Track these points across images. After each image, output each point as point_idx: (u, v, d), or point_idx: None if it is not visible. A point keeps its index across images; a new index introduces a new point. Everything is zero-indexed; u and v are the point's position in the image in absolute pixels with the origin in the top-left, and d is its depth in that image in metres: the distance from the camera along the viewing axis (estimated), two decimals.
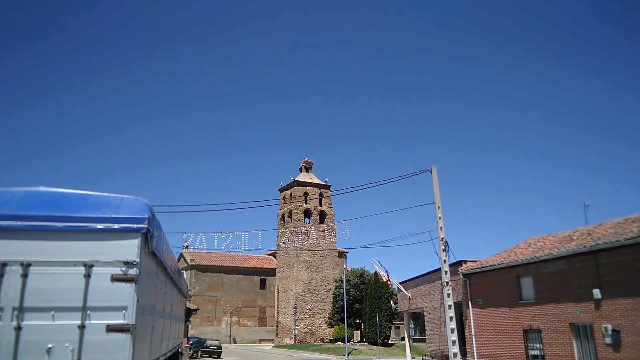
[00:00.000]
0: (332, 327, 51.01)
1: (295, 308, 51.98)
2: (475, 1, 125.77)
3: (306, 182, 57.49)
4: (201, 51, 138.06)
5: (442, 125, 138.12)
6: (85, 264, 4.86)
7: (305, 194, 56.76)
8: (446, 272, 21.66)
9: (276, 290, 58.64)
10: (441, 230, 22.60)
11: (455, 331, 20.50)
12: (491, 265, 21.18)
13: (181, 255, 65.91)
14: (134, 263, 4.92)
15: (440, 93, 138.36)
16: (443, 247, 22.26)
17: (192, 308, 27.14)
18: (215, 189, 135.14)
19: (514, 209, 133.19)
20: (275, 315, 57.88)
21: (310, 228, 49.85)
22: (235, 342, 60.88)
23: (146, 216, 5.11)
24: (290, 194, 57.11)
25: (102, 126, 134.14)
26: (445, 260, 21.96)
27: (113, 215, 5.06)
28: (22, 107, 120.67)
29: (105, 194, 5.50)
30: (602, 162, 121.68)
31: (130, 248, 4.97)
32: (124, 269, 4.89)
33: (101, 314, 4.77)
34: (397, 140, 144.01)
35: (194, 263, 62.09)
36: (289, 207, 56.29)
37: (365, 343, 46.10)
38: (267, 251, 68.40)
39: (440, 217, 23.06)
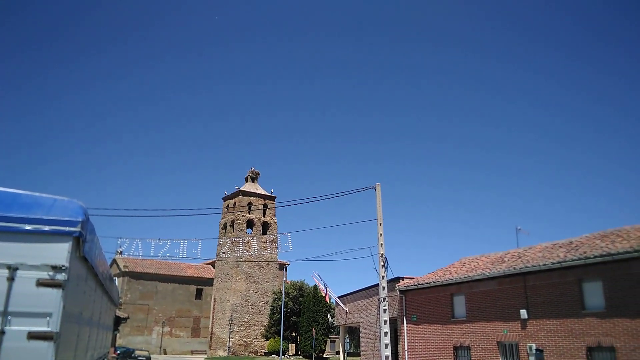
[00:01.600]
0: (267, 340, 50.45)
1: (231, 319, 51.02)
2: (426, 9, 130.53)
3: (251, 192, 56.94)
4: (153, 67, 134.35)
5: (388, 140, 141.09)
6: (9, 267, 4.55)
7: (250, 204, 56.18)
8: (384, 287, 22.04)
9: (212, 300, 57.32)
10: (381, 246, 23.00)
11: (389, 346, 20.83)
12: (427, 283, 21.77)
13: (114, 261, 63.14)
14: (63, 268, 4.66)
15: (384, 108, 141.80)
16: (382, 263, 22.66)
17: (121, 316, 25.97)
18: (156, 196, 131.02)
19: (453, 227, 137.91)
20: (210, 326, 56.49)
21: (252, 238, 49.34)
22: (165, 353, 58.82)
23: (79, 219, 4.86)
24: (234, 203, 56.34)
25: (38, 127, 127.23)
26: (383, 276, 22.33)
27: (44, 217, 4.77)
28: None
29: (37, 194, 5.19)
30: (535, 187, 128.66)
31: (59, 252, 4.71)
32: (51, 273, 4.62)
33: (23, 320, 4.47)
34: (344, 155, 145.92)
35: (127, 270, 59.68)
36: (232, 216, 55.47)
37: (300, 357, 45.90)
38: (206, 260, 66.95)
39: (381, 234, 23.47)
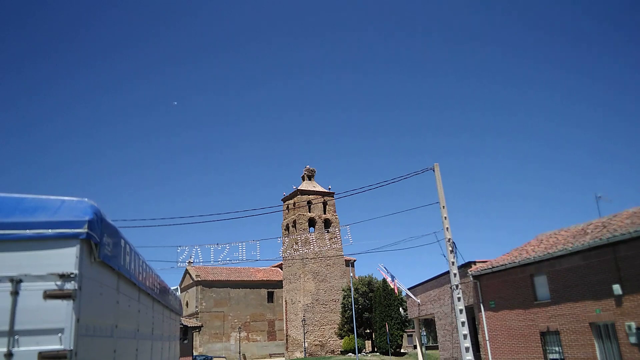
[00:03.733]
0: (342, 338, 49.83)
1: (304, 320, 50.87)
2: (476, 7, 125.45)
3: (309, 191, 56.61)
4: (204, 65, 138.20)
5: (444, 127, 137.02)
6: (11, 279, 4.02)
7: (309, 203, 55.89)
8: (455, 274, 20.72)
9: (284, 302, 57.53)
10: (447, 230, 21.69)
11: (468, 337, 19.49)
12: (502, 265, 20.18)
13: (186, 271, 65.03)
14: (72, 275, 4.06)
15: (442, 97, 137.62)
16: (450, 248, 21.34)
17: (190, 325, 26.14)
18: (216, 204, 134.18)
19: (522, 205, 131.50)
20: (285, 328, 56.72)
21: (311, 237, 48.99)
22: (245, 358, 59.72)
23: (86, 219, 4.25)
24: (294, 203, 56.24)
25: (102, 143, 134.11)
26: (453, 262, 21.02)
27: (47, 220, 4.22)
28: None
29: (44, 196, 4.67)
30: (610, 154, 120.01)
31: (66, 258, 4.12)
32: (59, 283, 4.04)
33: (32, 339, 3.92)
34: (400, 145, 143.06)
35: (199, 279, 61.18)
36: (293, 216, 55.39)
37: (377, 353, 44.88)
38: (274, 263, 67.50)
39: (445, 217, 22.17)
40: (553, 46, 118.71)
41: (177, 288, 19.49)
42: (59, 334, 3.95)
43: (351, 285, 43.89)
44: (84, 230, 4.21)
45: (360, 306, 47.32)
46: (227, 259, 19.61)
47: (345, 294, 49.82)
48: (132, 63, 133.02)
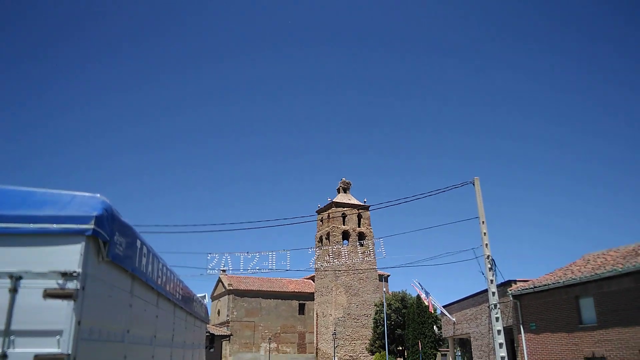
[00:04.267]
0: (373, 354, 48.72)
1: (334, 334, 50.07)
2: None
3: (344, 203, 56.08)
4: (234, 74, 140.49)
5: (485, 138, 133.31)
6: (11, 275, 3.75)
7: (344, 215, 55.35)
8: (494, 293, 19.81)
9: (315, 315, 56.92)
10: (487, 247, 20.84)
11: (506, 359, 18.52)
12: (545, 285, 19.10)
13: (219, 280, 65.41)
14: (74, 274, 3.77)
15: (483, 104, 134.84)
16: (489, 265, 20.46)
17: (218, 334, 25.92)
18: (249, 214, 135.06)
19: (567, 224, 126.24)
20: (315, 341, 56.04)
21: (344, 249, 48.35)
22: None
23: (94, 214, 3.96)
24: (328, 215, 55.81)
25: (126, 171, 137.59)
26: (492, 280, 20.12)
27: (53, 214, 3.96)
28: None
29: (56, 191, 4.43)
30: None
31: (70, 255, 3.83)
32: (60, 281, 3.75)
33: (29, 340, 3.64)
34: (440, 162, 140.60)
35: (231, 287, 61.36)
36: (327, 228, 54.95)
37: None
38: (305, 275, 67.14)
39: (485, 233, 21.33)
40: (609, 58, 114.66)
41: (205, 295, 19.27)
42: (57, 337, 3.65)
43: (384, 300, 42.97)
44: (90, 226, 3.92)
45: (392, 322, 46.21)
46: (257, 268, 19.36)
47: (378, 309, 48.82)
48: (161, 59, 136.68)
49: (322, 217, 57.35)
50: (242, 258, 19.01)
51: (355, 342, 51.18)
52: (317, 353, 54.49)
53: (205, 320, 14.26)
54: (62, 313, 3.68)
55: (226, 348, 58.31)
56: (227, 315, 60.66)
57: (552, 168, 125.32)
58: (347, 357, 50.42)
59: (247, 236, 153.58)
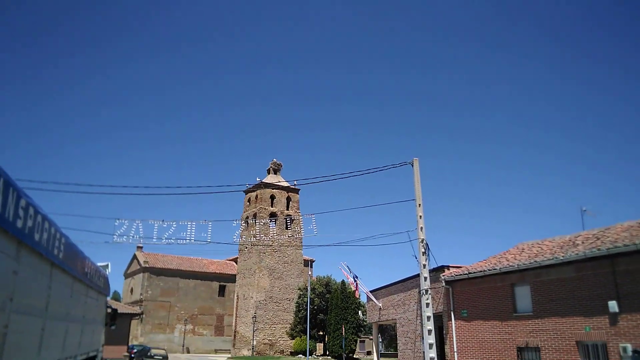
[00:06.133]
0: (293, 339, 47.57)
1: (255, 317, 48.30)
2: (464, 5, 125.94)
3: (273, 185, 54.11)
4: (182, 57, 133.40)
5: (424, 113, 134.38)
6: None
7: (272, 197, 53.43)
8: (425, 278, 18.88)
9: (235, 297, 54.76)
10: (421, 230, 19.84)
11: (434, 347, 17.66)
12: (480, 272, 18.40)
13: (134, 257, 61.35)
14: None
15: (426, 98, 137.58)
16: (423, 249, 19.49)
17: (126, 312, 23.30)
18: (173, 183, 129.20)
19: (500, 212, 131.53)
20: (234, 324, 53.94)
21: (272, 229, 46.63)
22: (189, 352, 56.59)
23: None
24: (256, 196, 53.64)
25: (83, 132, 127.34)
26: (425, 265, 19.17)
27: None
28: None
29: None
30: (596, 166, 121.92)
31: None
32: None
33: None
34: (378, 144, 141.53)
35: (147, 265, 57.63)
36: (254, 209, 52.80)
37: (329, 357, 42.81)
38: (227, 251, 64.71)
39: (420, 216, 20.32)
40: (549, 48, 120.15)
41: (107, 265, 16.67)
42: None
43: (308, 284, 41.77)
44: None
45: (315, 307, 45.22)
46: (173, 239, 16.99)
47: (301, 293, 47.63)
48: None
49: (249, 198, 55.10)
50: (157, 227, 16.58)
51: (275, 326, 49.72)
52: (235, 336, 52.49)
53: (104, 292, 11.91)
54: None
55: (137, 328, 54.74)
56: (141, 294, 56.95)
57: (490, 156, 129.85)
58: (267, 341, 48.89)
59: (166, 206, 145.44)
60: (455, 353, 19.21)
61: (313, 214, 21.22)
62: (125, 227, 16.33)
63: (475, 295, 18.84)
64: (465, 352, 18.74)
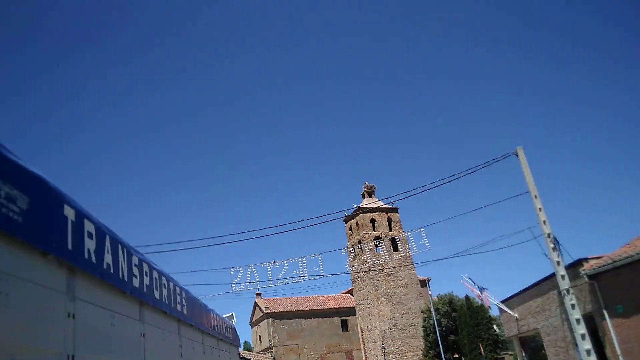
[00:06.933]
0: None
1: (383, 348, 46.63)
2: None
3: (371, 208, 53.03)
4: (244, 75, 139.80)
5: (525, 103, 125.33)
6: None
7: (373, 221, 52.28)
8: (563, 276, 16.67)
9: (359, 330, 53.56)
10: (545, 224, 17.75)
11: (593, 353, 15.29)
12: (628, 257, 15.77)
13: (255, 305, 62.82)
14: None
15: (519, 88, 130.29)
16: (552, 245, 17.32)
17: None
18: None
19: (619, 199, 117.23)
20: (364, 358, 52.57)
21: (382, 252, 45.26)
22: None
23: None
24: (357, 222, 52.84)
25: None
26: (559, 262, 16.98)
27: None
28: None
29: None
30: None
31: None
32: None
33: None
34: (475, 140, 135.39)
35: (269, 311, 58.61)
36: (357, 236, 51.94)
37: None
38: (341, 281, 64.11)
39: (540, 209, 18.26)
40: None
41: (232, 315, 16.81)
42: None
43: (431, 305, 39.58)
44: None
45: (444, 328, 42.60)
46: (287, 278, 16.62)
47: (425, 316, 45.28)
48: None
49: (350, 226, 54.46)
50: (270, 268, 16.33)
51: (406, 354, 47.59)
52: None
53: (235, 343, 11.59)
54: None
55: None
56: (269, 341, 57.81)
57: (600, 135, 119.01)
58: None
59: (269, 249, 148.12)
60: (620, 357, 16.45)
61: (422, 227, 19.90)
62: (240, 274, 16.31)
63: (628, 286, 16.13)
64: (633, 355, 15.95)
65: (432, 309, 38.99)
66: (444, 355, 38.51)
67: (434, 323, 37.52)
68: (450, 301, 44.86)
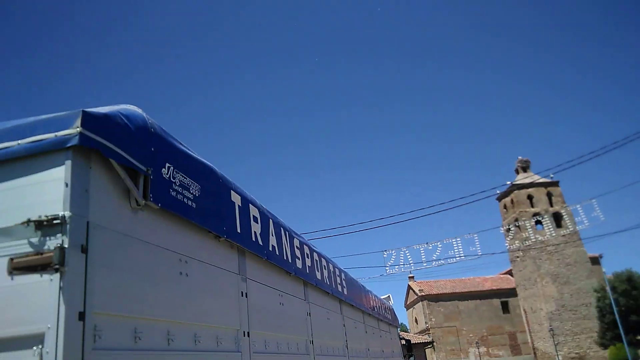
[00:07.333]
0: (606, 349, 41.08)
1: (551, 330, 43.67)
2: None
3: (527, 184, 49.58)
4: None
5: None
6: None
7: (530, 197, 48.88)
8: None
9: (523, 312, 50.81)
10: None
11: None
12: None
13: (409, 288, 63.18)
14: (56, 224, 1.89)
15: None
16: None
17: (418, 342, 23.49)
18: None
19: None
20: (530, 341, 49.83)
21: (541, 233, 42.15)
22: None
23: (79, 113, 2.05)
24: (512, 200, 49.90)
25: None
26: None
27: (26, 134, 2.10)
28: None
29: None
30: None
31: (48, 188, 1.97)
32: (35, 240, 1.93)
33: None
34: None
35: (423, 293, 58.55)
36: (514, 214, 49.08)
37: None
38: (498, 260, 61.26)
39: None
40: None
41: (389, 296, 17.19)
42: (35, 347, 1.81)
43: (606, 283, 35.93)
44: (74, 130, 2.03)
45: (622, 308, 38.40)
46: (442, 259, 16.62)
47: (600, 295, 41.24)
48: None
49: (504, 204, 51.59)
50: (423, 250, 16.49)
51: (579, 336, 44.01)
52: (535, 353, 48.29)
53: (394, 324, 12.11)
54: (41, 300, 1.84)
55: (432, 356, 55.35)
56: (426, 323, 57.85)
57: None
58: (574, 355, 43.46)
59: (420, 232, 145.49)
60: None
61: (593, 198, 18.31)
62: (393, 257, 16.76)
63: None
64: None
65: (607, 288, 35.38)
66: (625, 337, 34.77)
67: (611, 303, 34.01)
68: (629, 278, 40.22)
